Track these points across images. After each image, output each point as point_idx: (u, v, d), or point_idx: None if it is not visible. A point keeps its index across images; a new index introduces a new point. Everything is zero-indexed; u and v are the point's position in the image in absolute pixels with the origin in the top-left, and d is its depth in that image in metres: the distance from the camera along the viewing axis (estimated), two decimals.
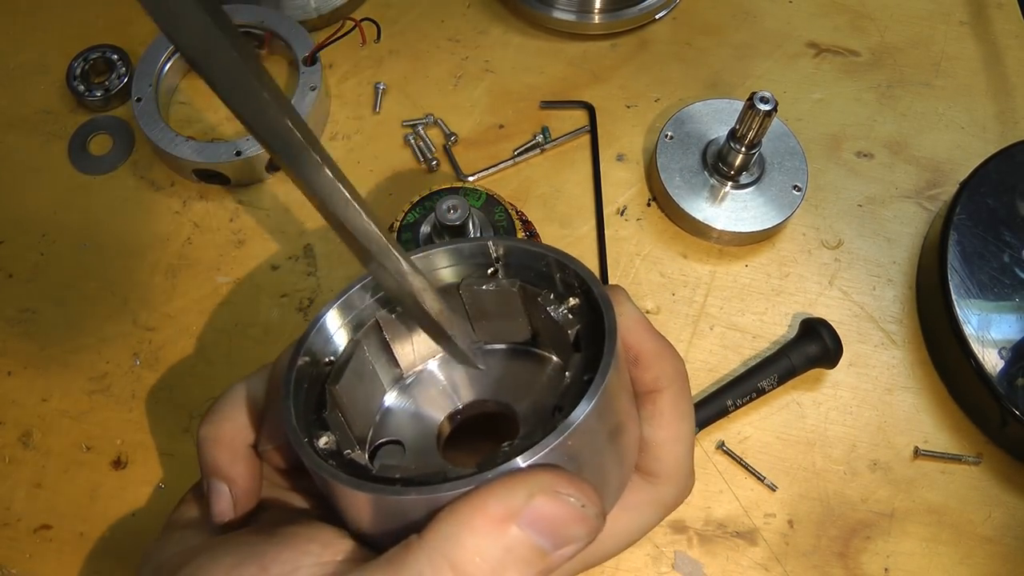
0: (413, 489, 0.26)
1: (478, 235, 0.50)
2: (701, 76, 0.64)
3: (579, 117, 0.62)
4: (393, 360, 0.36)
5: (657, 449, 0.33)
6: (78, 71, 0.62)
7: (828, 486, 0.51)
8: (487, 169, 0.60)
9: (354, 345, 0.34)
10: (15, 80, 0.65)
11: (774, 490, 0.51)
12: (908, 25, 0.66)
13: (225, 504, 0.33)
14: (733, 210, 0.56)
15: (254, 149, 0.57)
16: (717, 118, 0.59)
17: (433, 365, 0.37)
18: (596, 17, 0.64)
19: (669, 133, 0.59)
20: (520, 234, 0.51)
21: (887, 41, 0.66)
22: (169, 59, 0.61)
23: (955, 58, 0.65)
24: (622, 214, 0.59)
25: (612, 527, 0.32)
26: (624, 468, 0.31)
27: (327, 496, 0.30)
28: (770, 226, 0.56)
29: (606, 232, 0.58)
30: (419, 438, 0.34)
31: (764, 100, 0.50)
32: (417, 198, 0.51)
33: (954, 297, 0.52)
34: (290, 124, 0.26)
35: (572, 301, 0.33)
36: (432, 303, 0.32)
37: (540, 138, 0.61)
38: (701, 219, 0.56)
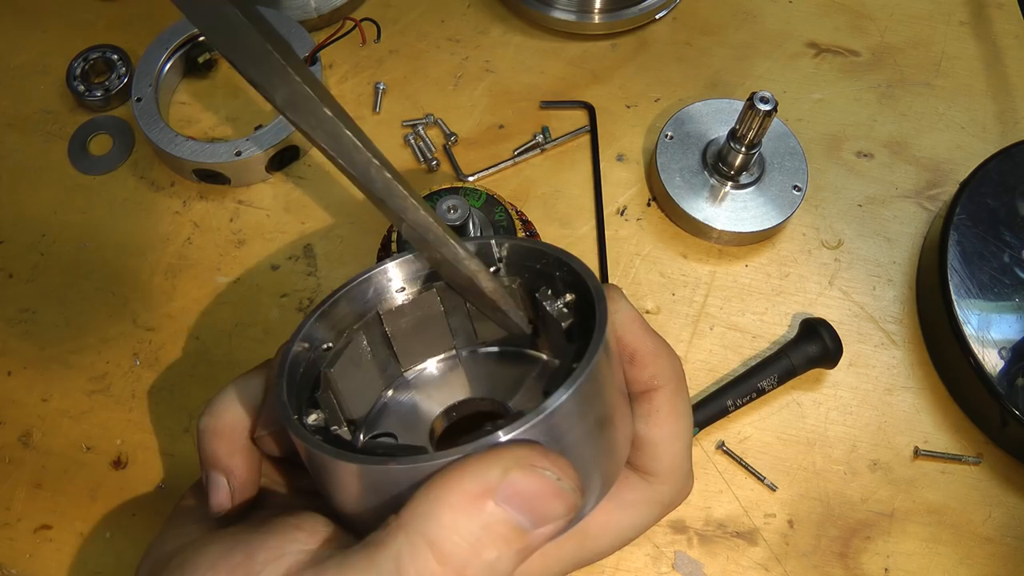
0: (393, 460, 0.26)
1: (478, 235, 0.50)
2: (701, 76, 0.64)
3: (579, 117, 0.62)
4: (393, 355, 0.36)
5: (653, 447, 0.33)
6: (78, 71, 0.62)
7: (828, 486, 0.51)
8: (487, 169, 0.60)
9: (352, 334, 0.34)
10: (15, 80, 0.65)
11: (774, 490, 0.51)
12: (908, 25, 0.66)
13: (223, 495, 0.33)
14: (733, 210, 0.56)
15: (254, 149, 0.57)
16: (717, 118, 0.59)
17: (433, 363, 0.37)
18: (596, 17, 0.64)
19: (669, 133, 0.59)
20: (520, 234, 0.51)
21: (887, 41, 0.66)
22: (169, 59, 0.62)
23: (955, 58, 0.65)
24: (622, 214, 0.59)
25: (607, 525, 0.32)
26: (612, 462, 0.31)
27: (313, 472, 0.30)
28: (770, 226, 0.56)
29: (606, 232, 0.58)
30: (413, 433, 0.35)
31: (764, 100, 0.50)
32: (415, 196, 0.51)
33: (954, 297, 0.52)
34: (353, 137, 0.28)
35: (569, 297, 0.34)
36: (487, 283, 0.33)
37: (540, 138, 0.61)
38: (701, 219, 0.56)
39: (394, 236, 0.50)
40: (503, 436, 0.26)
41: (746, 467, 0.51)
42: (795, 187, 0.57)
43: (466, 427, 0.36)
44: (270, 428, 0.33)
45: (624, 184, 0.60)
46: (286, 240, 0.58)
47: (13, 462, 0.52)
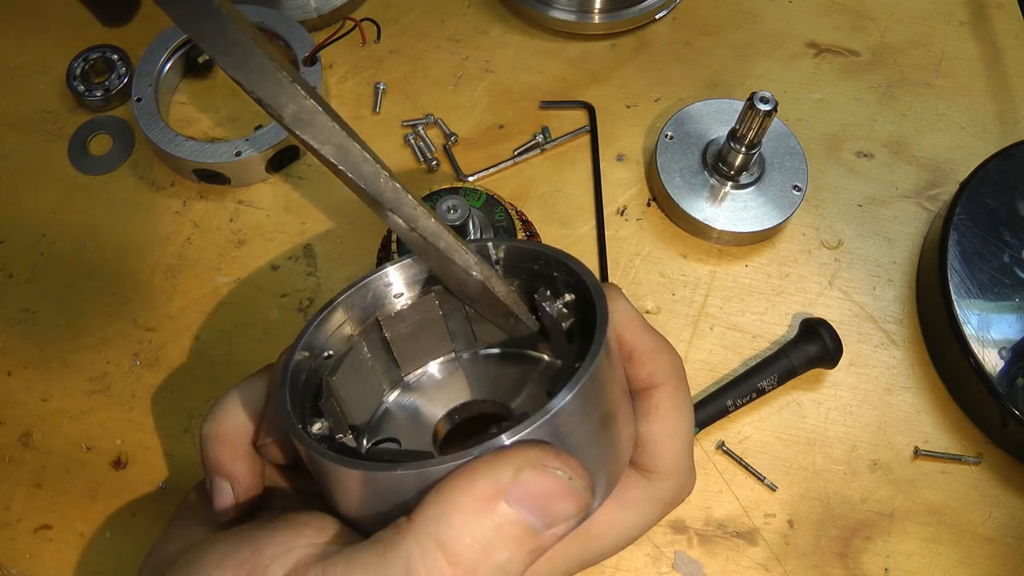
0: (400, 465, 0.26)
1: (478, 235, 0.50)
2: (701, 76, 0.64)
3: (579, 117, 0.62)
4: (393, 360, 0.36)
5: (653, 444, 0.33)
6: (78, 71, 0.62)
7: (828, 486, 0.51)
8: (487, 169, 0.60)
9: (353, 341, 0.34)
10: (15, 80, 0.65)
11: (774, 490, 0.51)
12: (908, 25, 0.66)
13: (227, 500, 0.33)
14: (733, 210, 0.56)
15: (254, 149, 0.57)
16: (717, 118, 0.59)
17: (433, 367, 0.37)
18: (596, 17, 0.64)
19: (669, 133, 0.59)
20: (520, 234, 0.51)
21: (887, 41, 0.66)
22: (169, 59, 0.61)
23: (955, 58, 0.65)
24: (622, 214, 0.59)
25: (609, 524, 0.32)
26: (616, 461, 0.31)
27: (319, 480, 0.30)
28: (770, 226, 0.56)
29: (606, 232, 0.58)
30: (416, 437, 0.35)
31: (764, 100, 0.50)
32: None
33: (954, 297, 0.52)
34: (355, 142, 0.28)
35: (568, 297, 0.34)
36: (500, 288, 0.33)
37: (540, 138, 0.61)
38: (701, 219, 0.56)
39: (394, 236, 0.50)
40: (509, 439, 0.26)
41: (746, 467, 0.51)
42: (795, 187, 0.57)
43: (468, 430, 0.36)
44: (273, 436, 0.33)
45: (624, 184, 0.60)
46: (286, 240, 0.58)
47: (13, 462, 0.52)
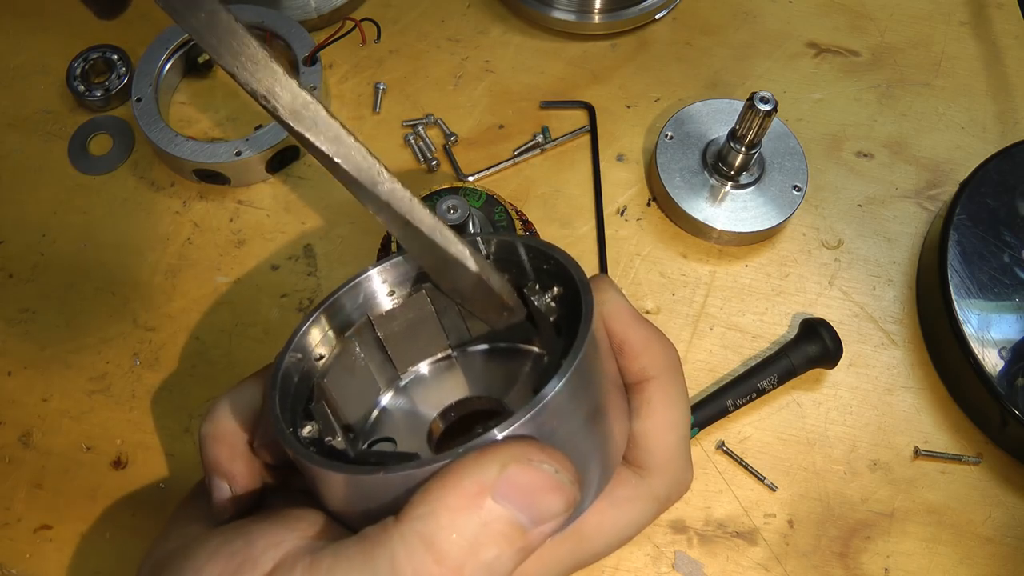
0: (385, 468, 0.26)
1: (477, 232, 0.50)
2: (701, 76, 0.64)
3: (579, 117, 0.62)
4: (388, 360, 0.36)
5: (646, 440, 0.32)
6: (78, 71, 0.62)
7: (828, 486, 0.51)
8: (487, 169, 0.60)
9: (345, 341, 0.34)
10: (15, 80, 0.65)
11: (774, 490, 0.51)
12: (908, 25, 0.66)
13: (225, 498, 0.33)
14: (733, 210, 0.56)
15: (254, 149, 0.57)
16: (717, 118, 0.59)
17: (429, 365, 0.37)
18: (596, 17, 0.64)
19: (669, 133, 0.59)
20: (520, 235, 0.51)
21: (887, 41, 0.66)
22: (169, 59, 0.61)
23: (955, 58, 0.65)
24: (622, 214, 0.59)
25: (601, 524, 0.31)
26: (608, 457, 0.30)
27: (309, 484, 0.30)
28: (770, 226, 0.56)
29: (606, 232, 0.58)
30: (412, 436, 0.35)
31: (764, 100, 0.50)
32: (417, 198, 0.51)
33: (954, 297, 0.52)
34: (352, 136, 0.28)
35: (556, 290, 0.33)
36: (495, 280, 0.32)
37: (540, 138, 0.61)
38: (701, 219, 0.56)
39: (394, 236, 0.50)
40: (496, 435, 0.26)
41: (746, 467, 0.51)
42: (795, 187, 0.57)
43: (465, 427, 0.36)
44: (267, 440, 0.34)
45: (624, 184, 0.60)
46: (286, 240, 0.58)
47: (13, 462, 0.52)
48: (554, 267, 0.33)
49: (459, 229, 0.47)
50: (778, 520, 0.50)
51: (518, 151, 0.60)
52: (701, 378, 0.54)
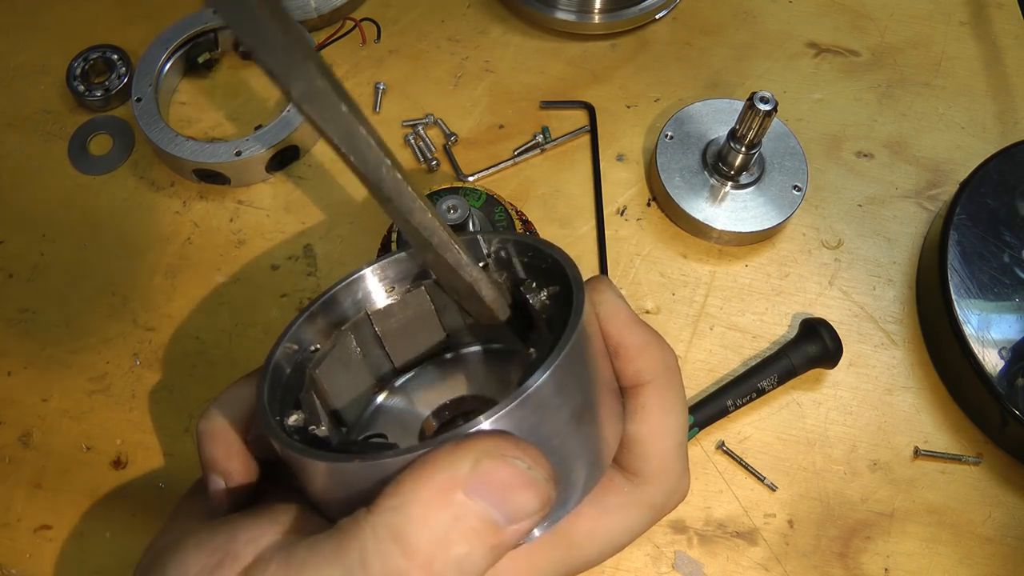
0: (358, 456, 0.26)
1: (478, 230, 0.50)
2: (701, 76, 0.64)
3: (579, 117, 0.62)
4: (385, 356, 0.36)
5: (640, 445, 0.31)
6: (78, 71, 0.62)
7: (828, 486, 0.51)
8: (487, 169, 0.60)
9: (341, 335, 0.34)
10: (15, 80, 0.65)
11: (774, 490, 0.51)
12: (908, 25, 0.66)
13: (221, 495, 0.33)
14: (733, 210, 0.56)
15: (254, 149, 0.57)
16: (717, 118, 0.59)
17: (425, 364, 0.37)
18: (596, 17, 0.64)
19: (669, 133, 0.59)
20: (521, 232, 0.51)
21: (887, 41, 0.66)
22: (169, 59, 0.62)
23: (955, 58, 0.65)
24: (622, 214, 0.59)
25: (593, 531, 0.31)
26: (596, 458, 0.30)
27: (292, 472, 0.30)
28: (770, 226, 0.56)
29: (606, 232, 0.58)
30: (405, 433, 0.34)
31: (764, 100, 0.50)
32: (422, 199, 0.51)
33: (954, 297, 0.52)
34: (367, 134, 0.27)
35: (552, 289, 0.33)
36: (488, 291, 0.32)
37: (540, 138, 0.61)
38: (701, 219, 0.56)
39: (394, 236, 0.50)
40: (473, 427, 0.25)
41: (746, 467, 0.51)
42: (795, 187, 0.57)
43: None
44: (257, 433, 0.34)
45: (624, 184, 0.60)
46: (286, 240, 0.58)
47: (13, 462, 0.52)
48: (551, 265, 0.33)
49: (459, 229, 0.47)
50: (778, 520, 0.50)
51: (518, 151, 0.60)
52: (701, 378, 0.54)
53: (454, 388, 0.36)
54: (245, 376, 0.36)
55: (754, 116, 0.51)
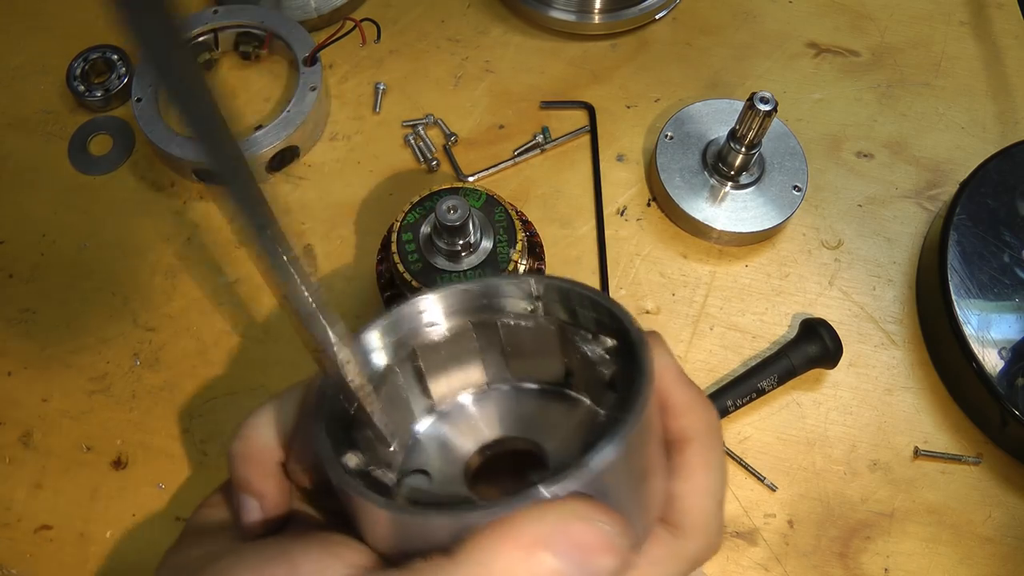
0: (442, 512, 0.26)
1: (478, 237, 0.49)
2: (701, 76, 0.64)
3: (579, 117, 0.62)
4: (426, 390, 0.36)
5: (683, 502, 0.32)
6: (78, 71, 0.62)
7: (828, 486, 0.51)
8: (487, 169, 0.60)
9: (388, 371, 0.34)
10: (15, 80, 0.65)
11: (774, 490, 0.51)
12: (908, 25, 0.66)
13: (255, 517, 0.33)
14: (733, 210, 0.56)
15: (253, 150, 0.57)
16: (717, 118, 0.59)
17: (466, 398, 0.37)
18: (596, 17, 0.64)
19: (669, 133, 0.59)
20: (520, 234, 0.51)
21: (887, 41, 0.66)
22: None
23: (955, 58, 0.65)
24: (622, 214, 0.59)
25: None
26: (648, 517, 0.31)
27: (352, 516, 0.30)
28: (770, 226, 0.56)
29: (606, 232, 0.58)
30: (447, 470, 0.34)
31: (764, 100, 0.50)
32: (417, 198, 0.51)
33: (954, 297, 0.52)
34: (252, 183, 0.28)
35: (609, 342, 0.33)
36: (355, 376, 0.31)
37: (540, 138, 0.61)
38: (701, 219, 0.56)
39: (394, 237, 0.50)
40: (549, 488, 0.26)
41: (746, 467, 0.51)
42: (795, 187, 0.57)
43: (499, 466, 0.35)
44: (303, 463, 0.33)
45: (624, 184, 0.60)
46: None
47: (13, 462, 0.52)
48: (607, 318, 0.33)
49: (459, 229, 0.47)
50: (778, 520, 0.50)
51: (518, 151, 0.60)
52: (701, 378, 0.54)
53: (492, 424, 0.36)
54: (277, 396, 0.35)
55: (754, 116, 0.51)
